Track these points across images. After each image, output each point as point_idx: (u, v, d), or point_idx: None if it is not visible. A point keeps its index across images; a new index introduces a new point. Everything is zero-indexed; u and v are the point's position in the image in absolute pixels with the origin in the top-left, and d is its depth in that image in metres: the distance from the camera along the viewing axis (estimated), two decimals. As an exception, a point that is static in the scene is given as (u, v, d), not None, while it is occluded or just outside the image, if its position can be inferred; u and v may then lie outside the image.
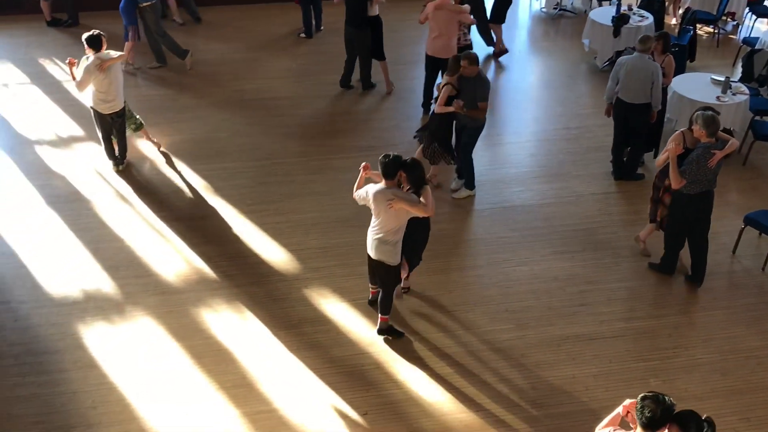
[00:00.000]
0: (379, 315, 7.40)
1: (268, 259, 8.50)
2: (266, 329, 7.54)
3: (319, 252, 8.63)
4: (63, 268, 8.31)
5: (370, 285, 7.73)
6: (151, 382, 6.94)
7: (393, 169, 6.82)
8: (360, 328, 7.56)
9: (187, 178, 9.87)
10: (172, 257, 8.51)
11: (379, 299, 7.36)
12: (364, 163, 7.19)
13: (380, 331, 7.44)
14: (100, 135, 9.75)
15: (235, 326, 7.58)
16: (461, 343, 7.41)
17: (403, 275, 7.55)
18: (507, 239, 8.90)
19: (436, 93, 9.61)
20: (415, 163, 6.93)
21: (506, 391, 6.88)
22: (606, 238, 8.88)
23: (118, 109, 9.54)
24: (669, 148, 7.61)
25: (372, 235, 7.11)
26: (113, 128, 9.66)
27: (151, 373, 7.04)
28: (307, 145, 10.65)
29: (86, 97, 9.79)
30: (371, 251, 7.17)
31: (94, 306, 7.82)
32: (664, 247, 8.21)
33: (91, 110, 9.59)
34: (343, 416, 6.61)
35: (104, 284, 8.11)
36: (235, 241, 8.80)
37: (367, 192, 7.01)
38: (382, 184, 6.91)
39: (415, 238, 7.40)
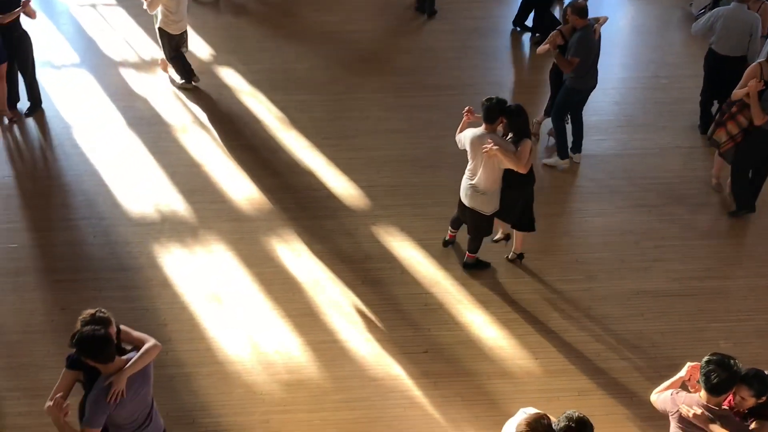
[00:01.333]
0: (467, 252, 7.40)
1: (339, 194, 8.53)
2: (333, 262, 7.61)
3: (390, 190, 8.60)
4: (141, 189, 8.55)
5: (450, 228, 7.66)
6: (220, 305, 7.13)
7: (495, 113, 6.60)
8: (426, 268, 7.55)
9: (263, 108, 9.93)
10: (245, 185, 8.63)
11: (468, 239, 7.32)
12: (467, 107, 7.03)
13: (466, 266, 7.45)
14: (168, 55, 9.88)
15: (303, 257, 7.68)
16: (528, 290, 7.32)
17: (517, 242, 7.47)
18: (583, 189, 8.67)
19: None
20: (519, 110, 6.68)
21: (570, 342, 6.80)
22: (687, 193, 8.55)
23: (185, 29, 9.76)
24: (750, 85, 7.27)
25: (466, 182, 6.99)
26: (180, 46, 9.86)
27: (220, 296, 7.23)
28: (386, 81, 10.52)
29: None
30: (464, 198, 7.06)
31: (170, 228, 8.03)
32: (732, 183, 8.08)
33: (158, 31, 9.72)
34: (403, 352, 6.67)
35: (180, 207, 8.31)
36: (308, 173, 8.84)
37: (465, 136, 6.87)
38: (481, 129, 6.74)
39: (523, 194, 7.05)
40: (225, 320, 6.97)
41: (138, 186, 8.60)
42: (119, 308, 7.03)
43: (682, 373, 4.81)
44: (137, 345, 4.92)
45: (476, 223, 7.13)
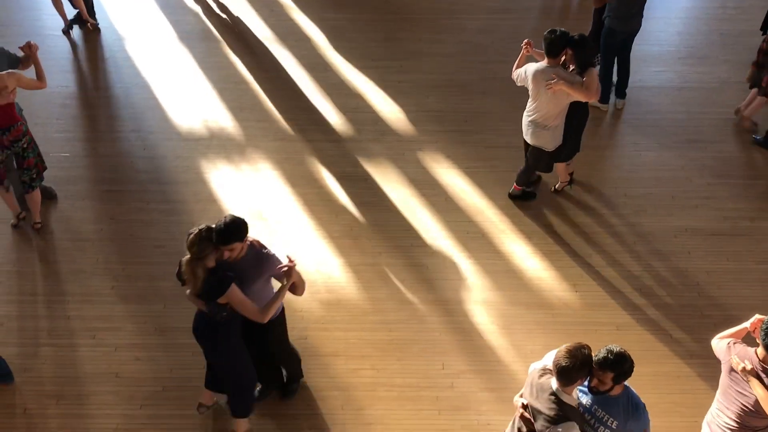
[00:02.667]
0: (515, 183, 7.32)
1: (386, 118, 8.44)
2: (377, 186, 7.60)
3: (437, 116, 8.48)
4: (191, 104, 8.59)
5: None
6: (264, 222, 7.22)
7: (559, 46, 6.34)
8: (470, 196, 7.50)
9: (314, 26, 9.79)
10: (292, 105, 8.60)
11: (520, 170, 7.21)
12: (526, 40, 6.79)
13: (511, 196, 7.38)
14: None
15: (347, 180, 7.68)
16: (572, 223, 7.23)
17: (567, 171, 7.34)
18: (638, 121, 8.42)
19: None
20: (584, 41, 6.43)
21: (612, 276, 6.72)
22: (744, 130, 8.23)
23: None
24: None
25: (527, 118, 6.82)
26: None
27: (264, 214, 7.30)
28: (439, 1, 10.24)
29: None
30: (526, 136, 6.89)
31: (217, 144, 8.09)
32: None
33: None
34: (442, 278, 6.69)
35: (228, 124, 8.34)
36: (356, 95, 8.75)
37: (525, 71, 6.63)
38: (543, 63, 6.52)
39: (573, 123, 6.87)
40: (268, 238, 7.05)
41: (187, 101, 8.64)
42: (165, 221, 7.20)
43: (747, 324, 4.68)
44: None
45: (537, 158, 6.98)
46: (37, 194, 6.94)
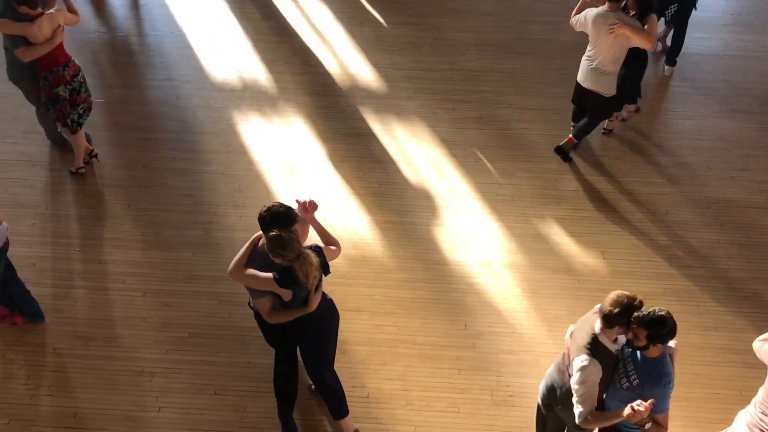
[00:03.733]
0: (570, 135, 7.24)
1: (420, 76, 8.36)
2: (408, 143, 7.57)
3: (473, 75, 8.38)
4: (225, 55, 8.58)
5: (572, 123, 7.46)
6: (293, 176, 7.24)
7: None
8: (502, 159, 7.43)
9: (352, -21, 9.69)
10: (326, 59, 8.55)
11: (580, 124, 7.17)
12: None
13: (560, 148, 7.29)
14: None
15: (378, 136, 7.65)
16: (603, 189, 7.14)
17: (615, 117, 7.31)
18: (676, 88, 8.23)
19: None
20: None
21: (640, 245, 6.65)
22: (790, 102, 8.03)
23: None
24: None
25: (587, 63, 6.82)
26: None
27: (294, 167, 7.32)
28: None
29: None
30: (585, 81, 6.89)
31: (250, 96, 8.09)
32: None
33: None
34: (469, 239, 6.67)
35: (261, 77, 8.32)
36: (390, 51, 8.67)
37: (585, 15, 6.67)
38: (604, 7, 6.53)
39: (630, 70, 6.98)
40: (297, 192, 7.08)
41: (222, 52, 8.63)
42: (197, 170, 7.26)
43: None
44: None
45: (598, 105, 6.99)
46: (81, 134, 7.00)
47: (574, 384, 4.15)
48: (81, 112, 6.86)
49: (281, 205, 4.56)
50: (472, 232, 6.74)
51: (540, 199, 7.04)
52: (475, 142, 7.60)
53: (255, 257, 4.64)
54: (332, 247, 4.86)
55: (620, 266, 6.48)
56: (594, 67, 6.76)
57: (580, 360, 4.12)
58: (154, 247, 6.58)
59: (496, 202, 7.00)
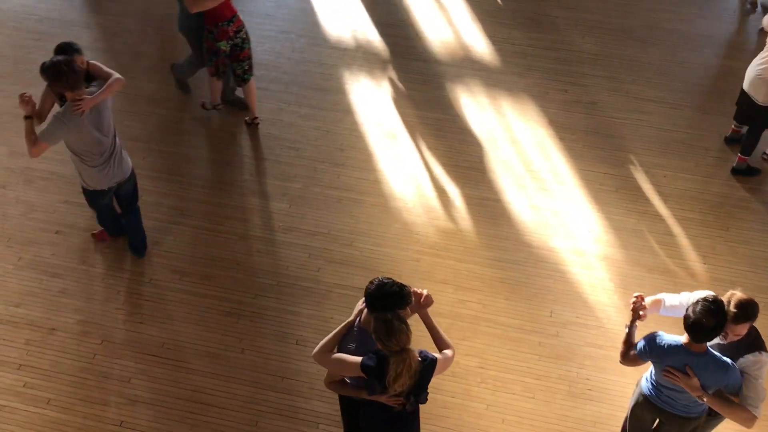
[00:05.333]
0: (739, 154, 6.91)
1: (536, 53, 8.17)
2: (515, 122, 7.44)
3: (590, 58, 8.13)
4: (343, 14, 8.62)
5: (733, 122, 7.18)
6: (395, 141, 7.24)
7: None
8: (610, 147, 7.21)
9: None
10: (441, 27, 8.47)
11: (745, 140, 6.84)
12: None
13: (736, 170, 6.95)
14: None
15: (486, 111, 7.55)
16: (712, 192, 6.83)
17: None
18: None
19: None
20: None
21: (746, 254, 6.34)
22: None
23: None
24: None
25: (755, 70, 6.51)
26: None
27: (397, 134, 7.31)
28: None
29: None
30: (757, 93, 6.54)
31: (362, 56, 8.11)
32: None
33: None
34: (566, 225, 6.53)
35: (375, 39, 8.33)
36: (507, 25, 8.50)
37: None
38: None
39: None
40: (397, 157, 7.09)
41: (340, 10, 8.66)
42: (303, 125, 7.36)
43: None
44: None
45: (757, 113, 6.63)
46: (252, 85, 7.10)
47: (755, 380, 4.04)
48: (246, 68, 6.92)
49: (394, 283, 3.98)
50: (569, 218, 6.59)
51: (645, 194, 6.80)
52: (584, 127, 7.40)
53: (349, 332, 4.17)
54: (448, 353, 4.15)
55: (720, 273, 6.22)
56: (761, 75, 6.45)
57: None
58: (254, 194, 6.74)
59: (599, 191, 6.82)
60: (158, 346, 5.63)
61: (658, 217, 6.62)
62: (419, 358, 3.92)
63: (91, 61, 5.62)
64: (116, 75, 5.45)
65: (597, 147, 7.21)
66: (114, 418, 5.23)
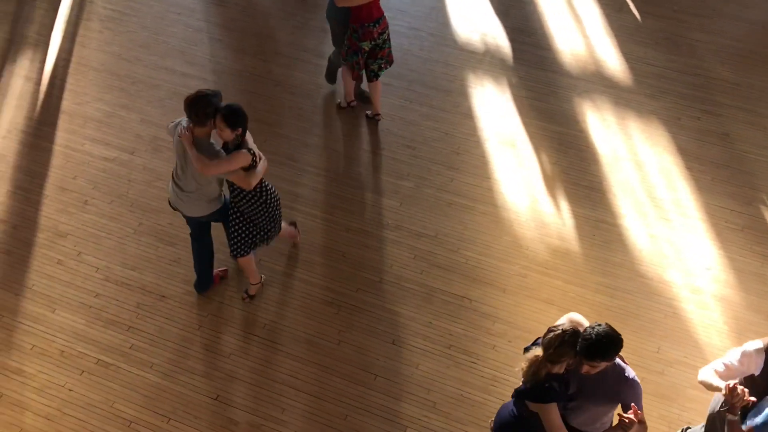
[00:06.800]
0: None
1: (670, 75, 7.85)
2: (644, 144, 7.17)
3: (729, 87, 7.73)
4: (474, 15, 8.52)
5: None
6: (513, 150, 7.11)
7: None
8: (740, 183, 6.84)
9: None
10: (574, 39, 8.25)
11: None
12: None
13: None
14: None
15: (611, 129, 7.31)
16: None
17: None
18: None
19: None
20: None
21: None
22: None
23: None
24: None
25: None
26: None
27: (516, 142, 7.18)
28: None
29: None
30: None
31: (489, 61, 8.00)
32: None
33: None
34: (683, 260, 6.25)
35: (503, 44, 8.19)
36: (644, 43, 8.19)
37: None
38: None
39: None
40: (513, 167, 6.96)
41: (471, 11, 8.57)
42: (422, 124, 7.33)
43: None
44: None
45: None
46: (378, 85, 7.15)
47: None
48: (381, 64, 6.93)
49: (609, 328, 3.90)
50: (688, 253, 6.30)
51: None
52: (715, 159, 7.05)
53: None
54: None
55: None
56: None
57: None
58: (366, 189, 6.77)
59: (723, 228, 6.48)
60: (260, 326, 5.74)
61: (785, 263, 6.25)
62: (549, 378, 4.01)
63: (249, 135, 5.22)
64: (258, 166, 5.13)
65: (726, 181, 6.85)
66: (210, 391, 5.37)
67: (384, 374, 5.50)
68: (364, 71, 7.00)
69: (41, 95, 7.46)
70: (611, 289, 6.03)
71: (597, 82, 7.78)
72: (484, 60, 8.02)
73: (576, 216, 6.57)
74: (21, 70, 7.71)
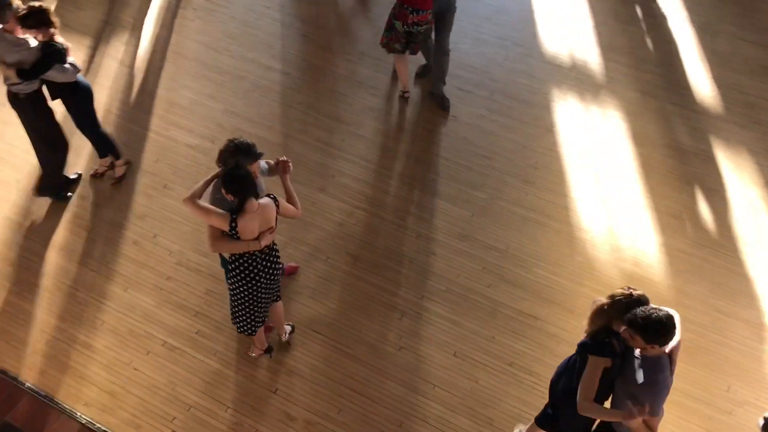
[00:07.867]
0: None
1: (763, 104, 7.55)
2: (731, 174, 6.92)
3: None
4: (562, 29, 8.37)
5: None
6: (593, 171, 6.96)
7: None
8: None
9: (721, -17, 8.92)
10: (665, 61, 8.03)
11: None
12: None
13: None
14: None
15: (697, 156, 7.08)
16: None
17: None
18: None
19: None
20: None
21: None
22: None
23: None
24: None
25: None
26: None
27: (597, 162, 7.03)
28: None
29: None
30: None
31: (576, 76, 7.85)
32: None
33: None
34: (760, 298, 6.01)
35: (592, 60, 8.03)
36: (736, 70, 7.92)
37: None
38: None
39: None
40: (591, 186, 6.82)
41: (559, 25, 8.43)
42: (500, 135, 7.26)
43: None
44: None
45: None
46: (406, 57, 7.23)
47: None
48: (413, 46, 7.03)
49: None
50: (767, 292, 6.07)
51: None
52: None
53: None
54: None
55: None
56: None
57: None
58: (439, 196, 6.73)
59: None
60: (323, 324, 5.77)
61: None
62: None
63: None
64: (294, 208, 4.91)
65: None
66: (270, 383, 5.43)
67: (444, 386, 5.46)
68: (432, 70, 7.24)
69: (133, 79, 7.67)
70: (684, 321, 5.82)
71: (686, 107, 7.55)
72: (570, 75, 7.87)
73: (653, 243, 6.39)
74: (114, 52, 7.94)
